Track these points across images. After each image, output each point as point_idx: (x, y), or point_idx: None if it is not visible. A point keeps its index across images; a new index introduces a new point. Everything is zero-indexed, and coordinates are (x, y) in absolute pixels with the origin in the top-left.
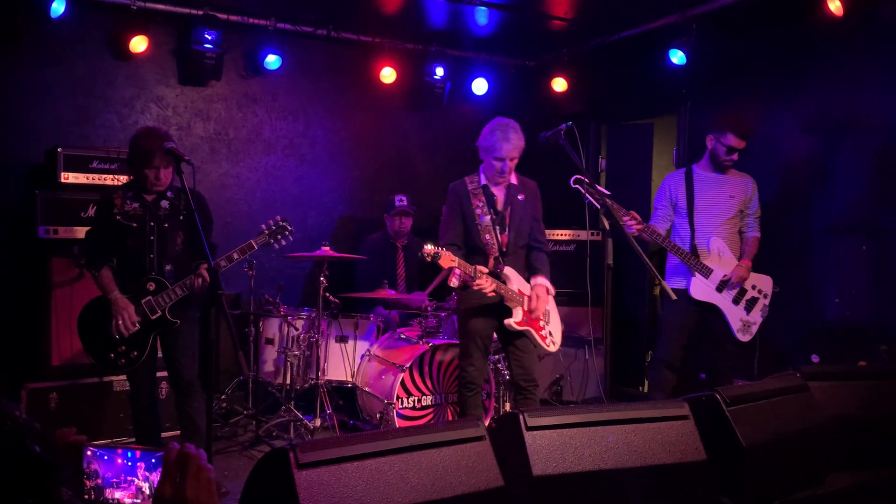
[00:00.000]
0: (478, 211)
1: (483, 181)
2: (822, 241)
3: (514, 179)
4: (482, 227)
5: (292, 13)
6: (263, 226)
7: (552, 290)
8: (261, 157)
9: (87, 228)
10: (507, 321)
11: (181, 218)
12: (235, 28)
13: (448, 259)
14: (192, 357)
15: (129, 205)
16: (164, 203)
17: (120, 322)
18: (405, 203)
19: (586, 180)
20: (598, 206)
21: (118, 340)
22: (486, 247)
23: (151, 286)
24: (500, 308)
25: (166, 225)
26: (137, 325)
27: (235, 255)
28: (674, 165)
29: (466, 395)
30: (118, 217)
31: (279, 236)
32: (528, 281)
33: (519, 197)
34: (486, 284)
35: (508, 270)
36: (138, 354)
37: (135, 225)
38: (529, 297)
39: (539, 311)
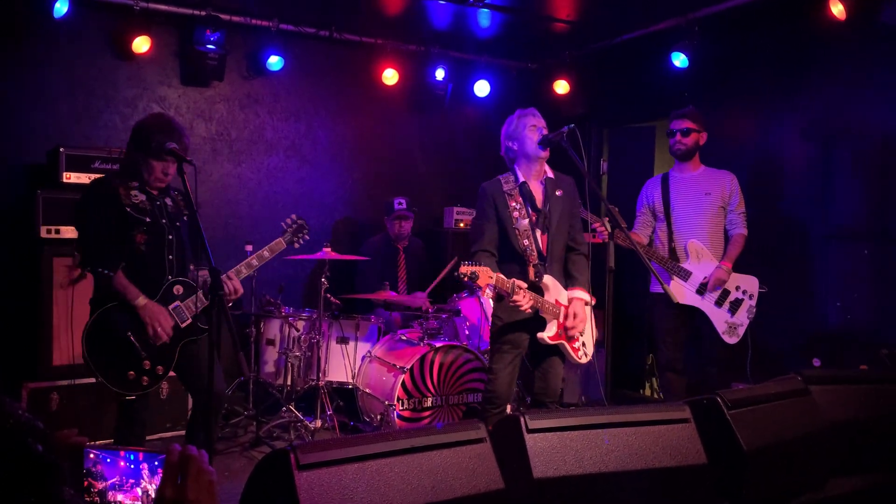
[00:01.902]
0: (514, 213)
1: (521, 179)
2: (824, 245)
3: (550, 173)
4: (520, 232)
5: (295, 14)
6: (283, 224)
7: (591, 302)
8: (263, 157)
9: (80, 224)
10: (539, 335)
11: (184, 219)
12: (238, 29)
13: (486, 276)
14: (220, 367)
15: (136, 196)
16: (169, 201)
17: (159, 330)
18: (404, 206)
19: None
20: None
21: (141, 356)
22: (524, 253)
23: (179, 290)
24: (535, 320)
25: (178, 224)
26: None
27: (266, 254)
28: None
29: (491, 412)
30: (128, 209)
31: (299, 235)
32: (566, 288)
33: (557, 193)
34: (524, 301)
35: (547, 279)
36: (164, 370)
37: (148, 220)
38: (566, 312)
39: (577, 329)
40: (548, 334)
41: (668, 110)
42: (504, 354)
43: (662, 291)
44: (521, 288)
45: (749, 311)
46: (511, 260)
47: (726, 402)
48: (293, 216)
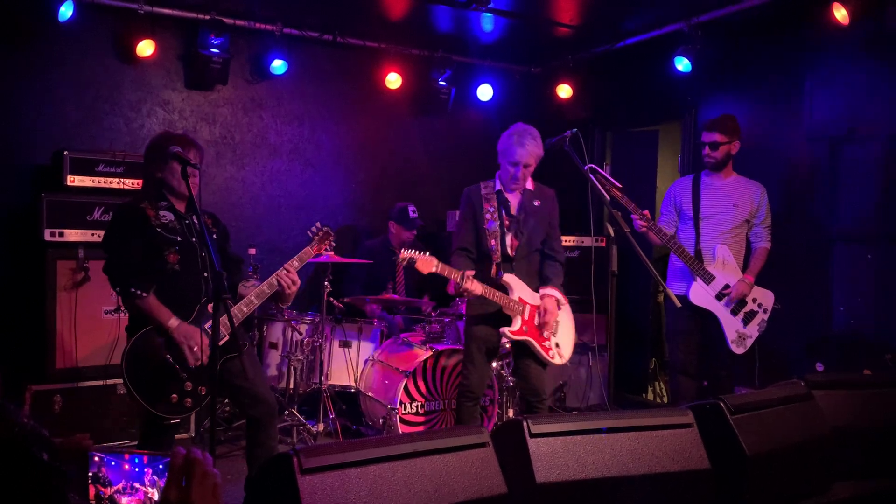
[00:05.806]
0: (487, 216)
1: (498, 186)
2: (827, 249)
3: (530, 185)
4: (489, 233)
5: (298, 18)
6: (310, 232)
7: (563, 301)
8: (266, 161)
9: (110, 248)
10: (502, 329)
11: (213, 237)
12: (242, 33)
13: (428, 265)
14: (265, 375)
15: (165, 217)
16: (196, 219)
17: (195, 349)
18: (418, 215)
19: (599, 170)
20: (608, 199)
21: (182, 378)
22: (490, 252)
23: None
24: (504, 317)
25: (208, 243)
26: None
27: (296, 264)
28: (679, 172)
29: (464, 405)
30: (158, 230)
31: (325, 242)
32: (536, 290)
33: (534, 203)
34: (473, 288)
35: (509, 278)
36: (207, 390)
37: (179, 239)
38: (537, 308)
39: (548, 324)
40: (511, 329)
41: (672, 114)
42: (475, 350)
43: (680, 293)
44: (468, 277)
45: (760, 325)
46: (483, 259)
47: (729, 406)
48: (318, 224)
